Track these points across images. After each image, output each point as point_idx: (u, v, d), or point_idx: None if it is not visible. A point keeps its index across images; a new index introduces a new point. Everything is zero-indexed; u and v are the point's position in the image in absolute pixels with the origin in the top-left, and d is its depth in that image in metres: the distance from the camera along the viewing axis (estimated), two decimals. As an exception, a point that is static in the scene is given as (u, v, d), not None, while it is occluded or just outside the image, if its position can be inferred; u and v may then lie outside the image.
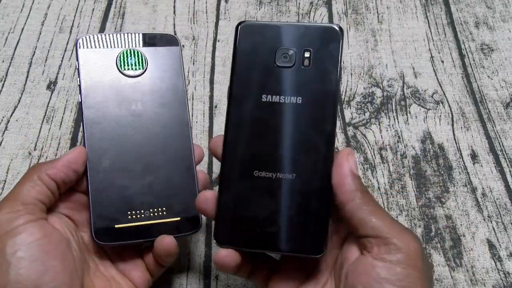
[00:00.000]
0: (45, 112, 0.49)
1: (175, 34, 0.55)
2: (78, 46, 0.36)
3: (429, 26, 0.57)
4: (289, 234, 0.30)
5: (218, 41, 0.55)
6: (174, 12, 0.57)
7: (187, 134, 0.37)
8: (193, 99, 0.50)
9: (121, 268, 0.35)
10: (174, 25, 0.56)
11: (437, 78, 0.52)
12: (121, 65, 0.36)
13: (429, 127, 0.49)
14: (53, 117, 0.49)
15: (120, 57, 0.37)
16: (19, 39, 0.54)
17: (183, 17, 0.57)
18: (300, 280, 0.32)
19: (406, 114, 0.50)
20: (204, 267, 0.41)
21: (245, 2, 0.58)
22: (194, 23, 0.56)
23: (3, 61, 0.52)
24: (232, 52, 0.32)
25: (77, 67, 0.36)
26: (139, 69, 0.37)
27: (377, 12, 0.58)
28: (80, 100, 0.36)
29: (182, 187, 0.36)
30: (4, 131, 0.48)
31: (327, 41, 0.31)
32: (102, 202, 0.34)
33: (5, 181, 0.45)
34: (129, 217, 0.34)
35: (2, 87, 0.50)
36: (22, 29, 0.55)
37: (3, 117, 0.48)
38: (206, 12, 0.57)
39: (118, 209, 0.34)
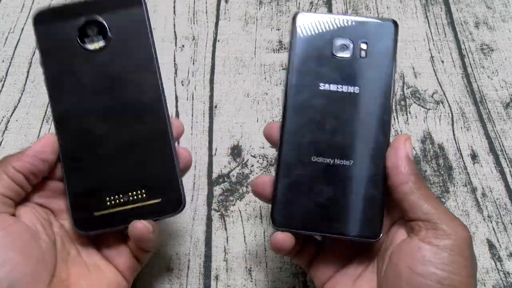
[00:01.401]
0: (45, 112, 0.49)
1: (175, 34, 0.55)
2: (34, 22, 0.33)
3: (429, 26, 0.57)
4: (346, 219, 0.31)
5: (218, 41, 0.55)
6: (174, 12, 0.57)
7: (162, 109, 0.33)
8: (193, 99, 0.50)
9: (106, 255, 0.34)
10: (174, 25, 0.56)
11: (437, 78, 0.52)
12: (82, 40, 0.33)
13: (429, 127, 0.49)
14: (53, 117, 0.49)
15: (79, 31, 0.33)
16: (19, 39, 0.54)
17: (183, 17, 0.57)
18: (343, 262, 0.34)
19: (406, 114, 0.50)
20: (204, 267, 0.41)
21: (245, 2, 0.58)
22: (194, 23, 0.56)
23: (3, 61, 0.52)
24: (289, 42, 0.33)
25: (36, 46, 0.33)
26: (101, 40, 0.33)
27: (377, 12, 0.58)
28: (44, 82, 0.33)
29: (160, 166, 0.33)
30: (4, 131, 0.48)
31: (383, 34, 0.33)
32: (78, 190, 0.33)
33: (5, 181, 0.45)
34: (108, 203, 0.33)
35: (2, 87, 0.50)
36: (22, 29, 0.55)
37: (3, 117, 0.48)
38: (206, 12, 0.57)
39: (96, 196, 0.33)
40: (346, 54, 0.33)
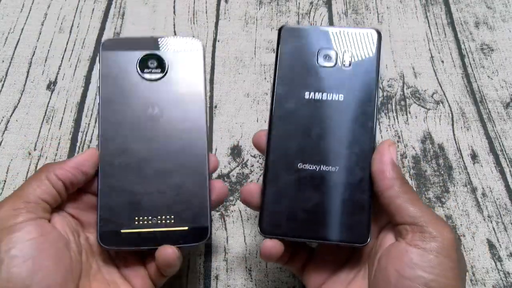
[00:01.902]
0: (45, 112, 0.49)
1: (175, 34, 0.55)
2: (101, 47, 0.36)
3: (429, 26, 0.57)
4: (334, 224, 0.32)
5: (218, 41, 0.55)
6: (174, 12, 0.57)
7: (203, 142, 0.35)
8: (193, 99, 0.50)
9: (124, 274, 0.34)
10: (174, 25, 0.56)
11: (437, 78, 0.52)
12: (141, 68, 0.36)
13: (429, 127, 0.49)
14: (53, 117, 0.49)
15: (141, 60, 0.36)
16: (19, 39, 0.54)
17: (183, 17, 0.57)
18: (335, 267, 0.34)
19: (406, 114, 0.50)
20: (204, 267, 0.41)
21: (245, 2, 0.58)
22: (194, 23, 0.56)
23: (3, 61, 0.52)
24: (275, 53, 0.34)
25: (99, 68, 0.36)
26: (159, 72, 0.36)
27: (377, 12, 0.58)
28: (98, 102, 0.35)
29: (193, 195, 0.34)
30: (4, 131, 0.48)
31: (366, 44, 0.34)
32: (110, 205, 0.34)
33: (5, 181, 0.45)
34: (136, 222, 0.34)
35: (2, 87, 0.50)
36: (22, 29, 0.55)
37: (3, 117, 0.48)
38: (206, 12, 0.57)
39: (126, 213, 0.34)
40: (330, 64, 0.34)
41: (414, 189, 0.45)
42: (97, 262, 0.34)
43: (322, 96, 0.33)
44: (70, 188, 0.33)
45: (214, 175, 0.46)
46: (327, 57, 0.34)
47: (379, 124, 0.49)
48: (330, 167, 0.32)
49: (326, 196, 0.32)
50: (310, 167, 0.32)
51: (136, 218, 0.34)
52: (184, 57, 0.37)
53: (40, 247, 0.29)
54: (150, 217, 0.34)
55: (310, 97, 0.33)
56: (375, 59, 0.34)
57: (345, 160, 0.32)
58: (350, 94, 0.33)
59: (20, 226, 0.29)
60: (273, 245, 0.32)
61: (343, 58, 0.34)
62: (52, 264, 0.29)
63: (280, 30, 0.34)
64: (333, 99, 0.33)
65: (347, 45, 0.34)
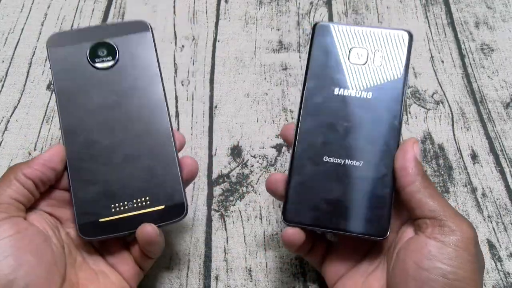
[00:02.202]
0: (45, 112, 0.49)
1: (175, 34, 0.55)
2: (48, 44, 0.36)
3: (429, 26, 0.56)
4: (355, 216, 0.33)
5: (218, 41, 0.55)
6: (174, 12, 0.57)
7: (166, 121, 0.36)
8: (193, 99, 0.50)
9: (110, 262, 0.35)
10: (174, 25, 0.56)
11: (437, 78, 0.52)
12: (92, 59, 0.36)
13: (429, 127, 0.49)
14: (53, 117, 0.49)
15: (90, 51, 0.36)
16: (19, 39, 0.54)
17: (183, 17, 0.57)
18: (355, 261, 0.35)
19: (406, 114, 0.50)
20: (204, 267, 0.41)
21: (245, 2, 0.58)
22: (194, 23, 0.56)
23: (3, 61, 0.52)
24: (308, 48, 0.35)
25: (50, 66, 0.36)
26: (110, 60, 0.36)
27: (377, 12, 0.58)
28: (56, 99, 0.35)
29: (165, 174, 0.35)
30: (4, 131, 0.48)
31: (398, 44, 0.35)
32: (84, 197, 0.34)
33: (5, 181, 0.45)
34: (113, 210, 0.34)
35: (2, 87, 0.50)
36: (22, 29, 0.55)
37: (3, 117, 0.48)
38: (206, 12, 0.57)
39: (101, 203, 0.34)
40: (360, 62, 0.35)
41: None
42: (81, 254, 0.34)
43: (351, 93, 0.34)
44: (41, 186, 0.33)
45: (215, 175, 0.46)
46: (358, 55, 0.35)
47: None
48: (355, 161, 0.33)
49: (349, 189, 0.33)
50: (335, 160, 0.33)
51: (112, 205, 0.34)
52: (133, 39, 0.37)
53: (19, 243, 0.29)
54: (126, 202, 0.34)
55: (339, 93, 0.34)
56: (405, 60, 0.34)
57: (370, 155, 0.33)
58: (378, 92, 0.34)
59: None
60: (294, 233, 0.32)
61: (374, 57, 0.35)
62: (33, 259, 0.29)
63: (314, 26, 0.35)
64: (362, 96, 0.34)
65: (378, 45, 0.35)
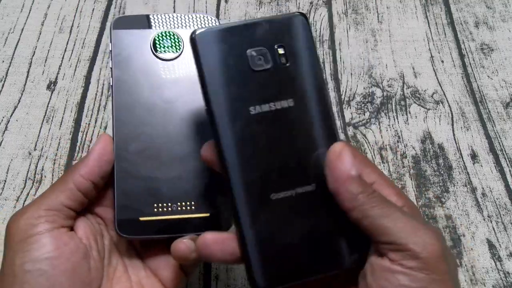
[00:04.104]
0: (45, 112, 0.49)
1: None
2: (112, 26, 0.34)
3: (429, 26, 0.57)
4: (337, 249, 0.27)
5: (218, 41, 0.55)
6: (174, 12, 0.57)
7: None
8: (193, 99, 0.50)
9: (151, 267, 0.33)
10: (174, 25, 0.56)
11: (437, 78, 0.52)
12: (155, 48, 0.34)
13: (429, 127, 0.49)
14: (53, 117, 0.49)
15: (154, 39, 0.34)
16: (19, 39, 0.54)
17: (183, 17, 0.57)
18: None
19: (406, 114, 0.50)
20: (204, 267, 0.41)
21: (245, 2, 0.58)
22: (194, 23, 0.56)
23: (3, 61, 0.52)
24: (196, 69, 0.27)
25: (110, 48, 0.34)
26: (175, 52, 0.34)
27: (377, 12, 0.58)
28: (110, 84, 0.33)
29: (213, 180, 0.32)
30: (4, 131, 0.48)
31: (296, 31, 0.28)
32: (127, 192, 0.32)
33: (5, 181, 0.45)
34: (155, 210, 0.32)
35: (2, 87, 0.50)
36: (22, 29, 0.55)
37: (3, 117, 0.48)
38: (206, 12, 0.57)
39: (144, 200, 0.32)
40: (266, 66, 0.27)
41: (413, 189, 0.45)
42: (122, 261, 0.33)
43: (270, 107, 0.27)
44: (101, 183, 0.31)
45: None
46: (260, 58, 0.27)
47: (379, 124, 0.49)
48: (306, 186, 0.27)
49: (315, 220, 0.27)
50: (286, 194, 0.27)
51: (155, 205, 0.32)
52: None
53: (55, 262, 0.28)
54: (170, 204, 0.32)
55: (257, 111, 0.27)
56: (312, 47, 0.28)
57: (319, 173, 0.27)
58: (299, 96, 0.28)
59: (36, 238, 0.28)
60: None
61: (277, 55, 0.28)
62: (66, 280, 0.28)
63: (192, 39, 0.27)
64: (283, 106, 0.27)
65: (276, 39, 0.28)
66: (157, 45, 0.34)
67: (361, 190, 0.26)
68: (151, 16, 0.35)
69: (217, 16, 0.57)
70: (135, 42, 0.34)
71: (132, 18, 0.35)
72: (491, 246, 0.42)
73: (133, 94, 0.33)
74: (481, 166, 0.47)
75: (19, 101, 0.50)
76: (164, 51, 0.34)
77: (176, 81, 0.34)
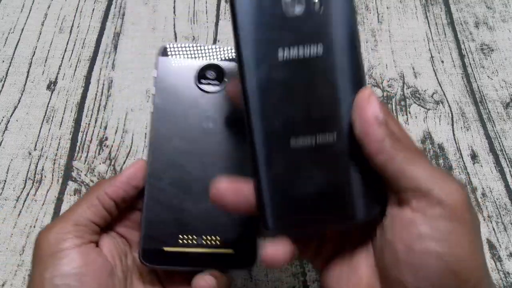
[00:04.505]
0: (45, 112, 0.49)
1: (175, 34, 0.55)
2: (160, 53, 0.35)
3: (429, 26, 0.57)
4: (350, 202, 0.27)
5: (218, 41, 0.55)
6: (174, 12, 0.57)
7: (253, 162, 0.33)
8: (193, 99, 0.50)
9: None
10: (174, 25, 0.56)
11: (437, 78, 0.52)
12: (200, 79, 0.34)
13: (429, 127, 0.49)
14: (53, 117, 0.49)
15: (200, 71, 0.34)
16: (19, 39, 0.54)
17: (183, 17, 0.57)
18: (351, 251, 0.29)
19: (406, 114, 0.50)
20: (204, 267, 0.41)
21: (245, 2, 0.58)
22: (194, 23, 0.56)
23: (3, 61, 0.52)
24: (230, 12, 0.28)
25: (155, 75, 0.34)
26: (218, 85, 0.34)
27: (377, 12, 0.58)
28: (151, 110, 0.34)
29: (240, 217, 0.32)
30: (4, 131, 0.48)
31: None
32: (155, 221, 0.32)
33: (5, 181, 0.45)
34: (180, 241, 0.32)
35: (2, 87, 0.50)
36: (22, 29, 0.55)
37: (3, 117, 0.48)
38: (206, 12, 0.57)
39: (170, 231, 0.32)
40: (298, 10, 0.27)
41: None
42: (143, 284, 0.33)
43: (298, 52, 0.27)
44: (122, 205, 0.32)
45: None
46: (293, 3, 0.27)
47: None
48: (327, 133, 0.27)
49: (332, 171, 0.27)
50: (305, 140, 0.27)
51: (181, 236, 0.32)
52: None
53: (83, 278, 0.29)
54: (195, 237, 0.32)
55: (285, 56, 0.27)
56: (349, 3, 0.27)
57: (341, 121, 0.26)
58: (328, 44, 0.27)
59: (66, 253, 0.29)
60: (275, 251, 0.27)
61: (312, 1, 0.27)
62: None
63: None
64: (311, 53, 0.27)
65: None
66: (201, 77, 0.34)
67: (389, 133, 0.25)
68: (197, 46, 0.36)
69: (217, 16, 0.57)
70: (180, 72, 0.34)
71: (179, 47, 0.35)
72: (491, 246, 0.42)
73: (172, 123, 0.34)
74: (481, 166, 0.47)
75: (19, 101, 0.50)
76: (208, 84, 0.34)
77: (216, 114, 0.34)
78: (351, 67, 0.27)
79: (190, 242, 0.32)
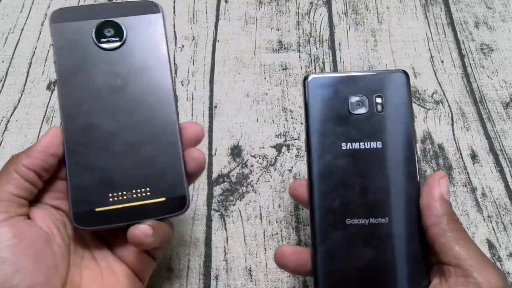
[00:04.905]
0: (45, 112, 0.49)
1: (175, 34, 0.55)
2: (51, 20, 0.34)
3: (429, 26, 0.57)
4: (394, 280, 0.30)
5: (218, 41, 0.55)
6: (174, 12, 0.57)
7: (171, 109, 0.34)
8: (193, 99, 0.50)
9: (119, 254, 0.34)
10: (174, 25, 0.56)
11: (437, 78, 0.52)
12: (98, 38, 0.34)
13: (429, 127, 0.49)
14: (53, 117, 0.49)
15: (96, 29, 0.34)
16: (19, 39, 0.54)
17: (183, 17, 0.57)
18: None
19: (406, 114, 0.50)
20: (204, 267, 0.41)
21: (245, 2, 0.58)
22: (194, 23, 0.56)
23: (3, 61, 0.52)
24: (304, 104, 0.33)
25: (51, 43, 0.34)
26: (117, 41, 0.34)
27: (377, 12, 0.58)
28: (56, 77, 0.34)
29: (167, 165, 0.33)
30: (4, 131, 0.48)
31: (396, 85, 0.33)
32: (80, 184, 0.32)
33: (5, 181, 0.45)
34: (110, 199, 0.32)
35: (2, 87, 0.50)
36: (22, 29, 0.55)
37: (3, 117, 0.48)
38: (206, 12, 0.57)
39: (98, 191, 0.32)
40: (362, 110, 0.32)
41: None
42: (89, 249, 0.33)
43: (359, 145, 0.32)
44: (45, 175, 0.31)
45: (214, 175, 0.46)
46: (359, 104, 0.32)
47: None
48: (380, 218, 0.31)
49: (380, 250, 0.31)
50: (359, 221, 0.31)
51: (110, 194, 0.32)
52: (142, 21, 0.35)
53: (16, 249, 0.28)
54: (124, 192, 0.33)
55: (348, 147, 0.32)
56: (407, 100, 0.33)
57: (393, 209, 0.31)
58: (387, 140, 0.32)
59: None
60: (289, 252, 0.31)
61: (374, 103, 0.32)
62: (31, 264, 0.29)
63: (305, 79, 0.33)
64: (371, 147, 0.32)
65: (376, 89, 0.33)
66: (99, 36, 0.34)
67: (448, 213, 0.29)
68: (89, 6, 0.35)
69: (217, 16, 0.57)
70: (76, 34, 0.34)
71: (71, 10, 0.35)
72: (491, 246, 0.42)
73: (79, 86, 0.33)
74: (481, 166, 0.47)
75: (19, 101, 0.50)
76: (107, 41, 0.34)
77: (121, 70, 0.34)
78: (404, 164, 0.32)
79: (121, 198, 0.32)
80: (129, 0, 0.35)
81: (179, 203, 0.33)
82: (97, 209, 0.32)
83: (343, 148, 0.32)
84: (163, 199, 0.33)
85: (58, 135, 0.32)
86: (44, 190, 0.32)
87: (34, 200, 0.32)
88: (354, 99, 0.32)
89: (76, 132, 0.33)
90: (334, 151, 0.32)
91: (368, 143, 0.32)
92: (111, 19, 0.34)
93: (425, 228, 0.29)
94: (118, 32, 0.34)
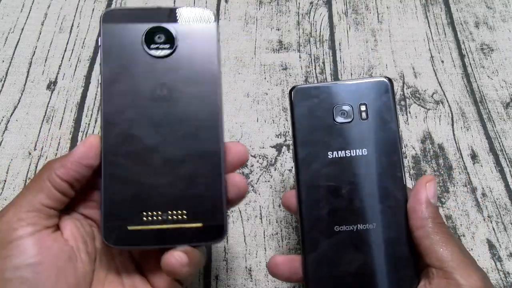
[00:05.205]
0: (45, 112, 0.49)
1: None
2: (103, 20, 0.32)
3: (429, 26, 0.57)
4: (383, 284, 0.31)
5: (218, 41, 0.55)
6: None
7: (216, 129, 0.31)
8: (193, 99, 0.50)
9: (146, 274, 0.32)
10: (174, 25, 0.56)
11: (437, 78, 0.52)
12: (147, 44, 0.32)
13: (429, 127, 0.49)
14: (53, 117, 0.49)
15: (146, 35, 0.32)
16: (19, 39, 0.54)
17: (183, 17, 0.57)
18: None
19: (406, 114, 0.50)
20: (204, 267, 0.41)
21: (245, 2, 0.58)
22: (194, 23, 0.56)
23: (3, 61, 0.52)
24: (290, 116, 0.34)
25: (99, 43, 0.32)
26: (167, 48, 0.32)
27: (377, 12, 0.58)
28: (100, 82, 0.31)
29: (207, 188, 0.30)
30: (4, 131, 0.48)
31: (379, 93, 0.34)
32: (114, 199, 0.30)
33: (5, 181, 0.45)
34: (144, 218, 0.30)
35: (2, 87, 0.50)
36: (22, 29, 0.55)
37: (3, 117, 0.48)
38: (206, 12, 0.57)
39: (133, 208, 0.30)
40: (347, 119, 0.33)
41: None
42: (116, 264, 0.31)
43: (345, 154, 0.33)
44: (77, 186, 0.30)
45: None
46: (343, 113, 0.33)
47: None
48: (368, 224, 0.32)
49: (369, 255, 0.31)
50: (347, 228, 0.32)
51: (145, 213, 0.30)
52: (196, 29, 0.32)
53: (38, 268, 0.27)
54: (159, 213, 0.30)
55: (334, 156, 0.33)
56: (392, 107, 0.33)
57: (381, 215, 0.32)
58: (373, 147, 0.33)
59: (17, 243, 0.27)
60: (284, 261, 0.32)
61: (359, 111, 0.33)
62: (51, 284, 0.27)
63: (291, 91, 0.34)
64: (357, 154, 0.33)
65: (360, 97, 0.33)
66: (149, 41, 0.32)
67: (433, 216, 0.30)
68: (142, 9, 0.33)
69: (217, 16, 0.57)
70: (126, 37, 0.32)
71: (123, 11, 0.33)
72: (491, 246, 0.42)
73: (123, 93, 0.31)
74: (481, 166, 0.47)
75: (19, 101, 0.50)
76: (156, 48, 0.32)
77: (168, 80, 0.32)
78: (389, 170, 0.32)
79: (155, 218, 0.30)
80: (185, 7, 0.33)
81: (217, 230, 0.30)
82: (129, 228, 0.30)
83: (329, 156, 0.33)
84: (200, 224, 0.30)
85: (95, 145, 0.30)
86: (76, 198, 0.31)
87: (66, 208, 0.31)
88: (338, 108, 0.33)
89: (116, 142, 0.31)
90: (320, 160, 0.33)
91: (354, 150, 0.33)
92: (162, 24, 0.32)
93: (411, 231, 0.30)
94: (169, 39, 0.32)
